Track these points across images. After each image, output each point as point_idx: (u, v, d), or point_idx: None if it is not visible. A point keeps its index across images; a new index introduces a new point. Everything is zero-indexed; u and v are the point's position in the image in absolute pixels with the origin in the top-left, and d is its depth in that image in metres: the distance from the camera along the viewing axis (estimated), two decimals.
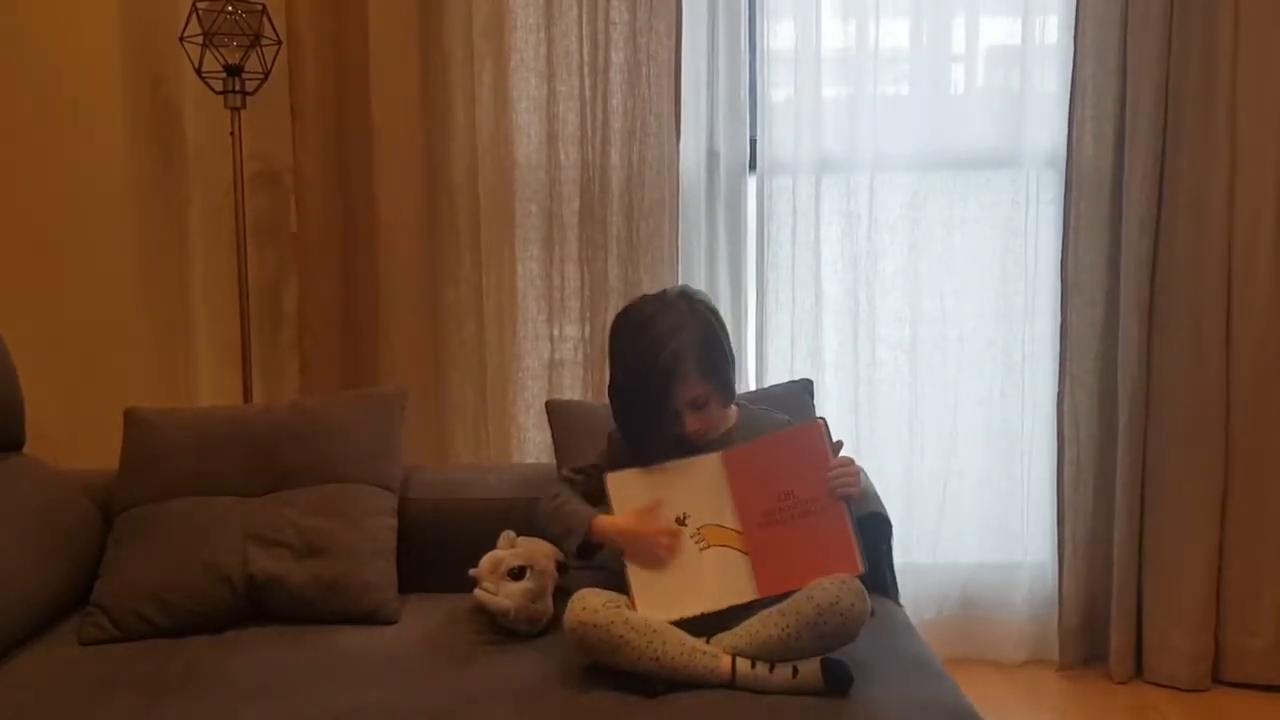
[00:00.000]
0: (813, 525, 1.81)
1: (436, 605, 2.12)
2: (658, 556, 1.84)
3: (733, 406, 2.00)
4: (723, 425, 1.97)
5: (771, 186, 3.00)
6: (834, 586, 1.72)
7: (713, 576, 1.82)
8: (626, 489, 1.90)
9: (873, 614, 1.76)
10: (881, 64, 2.96)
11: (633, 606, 1.79)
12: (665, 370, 1.86)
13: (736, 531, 1.84)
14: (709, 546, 1.84)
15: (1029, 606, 3.06)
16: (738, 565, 1.82)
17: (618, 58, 2.91)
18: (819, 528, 1.81)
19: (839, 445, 1.86)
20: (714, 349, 1.92)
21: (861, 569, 1.78)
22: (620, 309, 2.01)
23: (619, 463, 1.96)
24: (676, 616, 1.77)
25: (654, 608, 1.78)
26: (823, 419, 1.89)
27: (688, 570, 1.83)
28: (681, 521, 1.86)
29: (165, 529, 2.10)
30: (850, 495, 1.82)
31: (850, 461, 1.85)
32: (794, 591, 1.75)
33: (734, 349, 2.00)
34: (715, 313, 1.97)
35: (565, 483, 2.03)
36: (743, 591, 1.80)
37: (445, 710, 1.71)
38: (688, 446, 1.93)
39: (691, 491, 1.87)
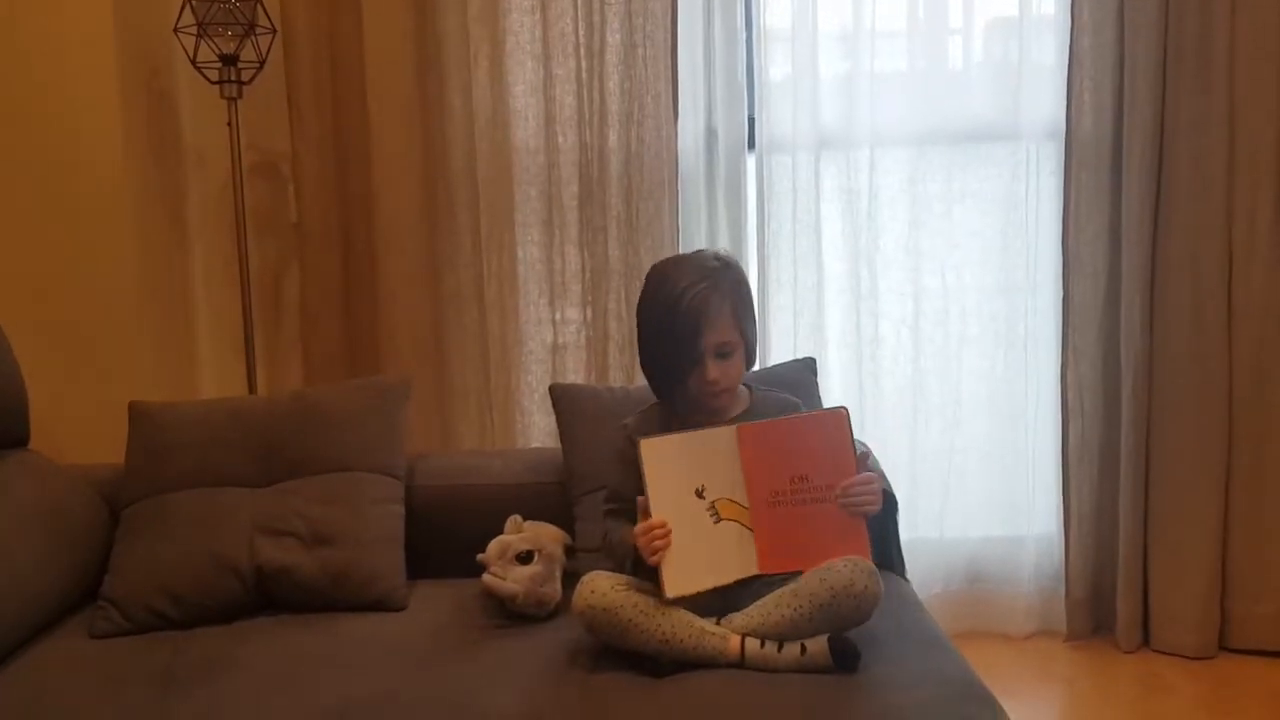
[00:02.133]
0: (825, 512, 1.80)
1: (444, 591, 2.13)
2: (654, 549, 1.79)
3: (743, 388, 1.98)
4: (737, 405, 1.94)
5: (771, 165, 2.99)
6: (847, 569, 1.72)
7: (723, 551, 1.82)
8: (658, 456, 1.84)
9: None
10: (879, 39, 2.94)
11: (661, 588, 1.76)
12: (698, 308, 1.83)
13: (744, 507, 1.83)
14: (721, 520, 1.84)
15: (1035, 579, 3.06)
16: (744, 541, 1.82)
17: (614, 39, 2.90)
18: (832, 515, 1.79)
19: (864, 457, 1.84)
20: (745, 303, 1.91)
21: (872, 555, 1.78)
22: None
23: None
24: (698, 590, 1.77)
25: (679, 584, 1.77)
26: (845, 409, 1.86)
27: (704, 544, 1.82)
28: (700, 493, 1.84)
29: (172, 522, 2.11)
30: (869, 513, 1.81)
31: (872, 480, 1.83)
32: (795, 572, 1.77)
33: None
34: (745, 277, 1.95)
35: (610, 515, 1.96)
36: (745, 567, 1.81)
37: (455, 695, 1.72)
38: (706, 407, 1.91)
39: (710, 463, 1.86)
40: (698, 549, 1.81)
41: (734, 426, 1.87)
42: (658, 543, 1.77)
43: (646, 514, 1.79)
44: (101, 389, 2.61)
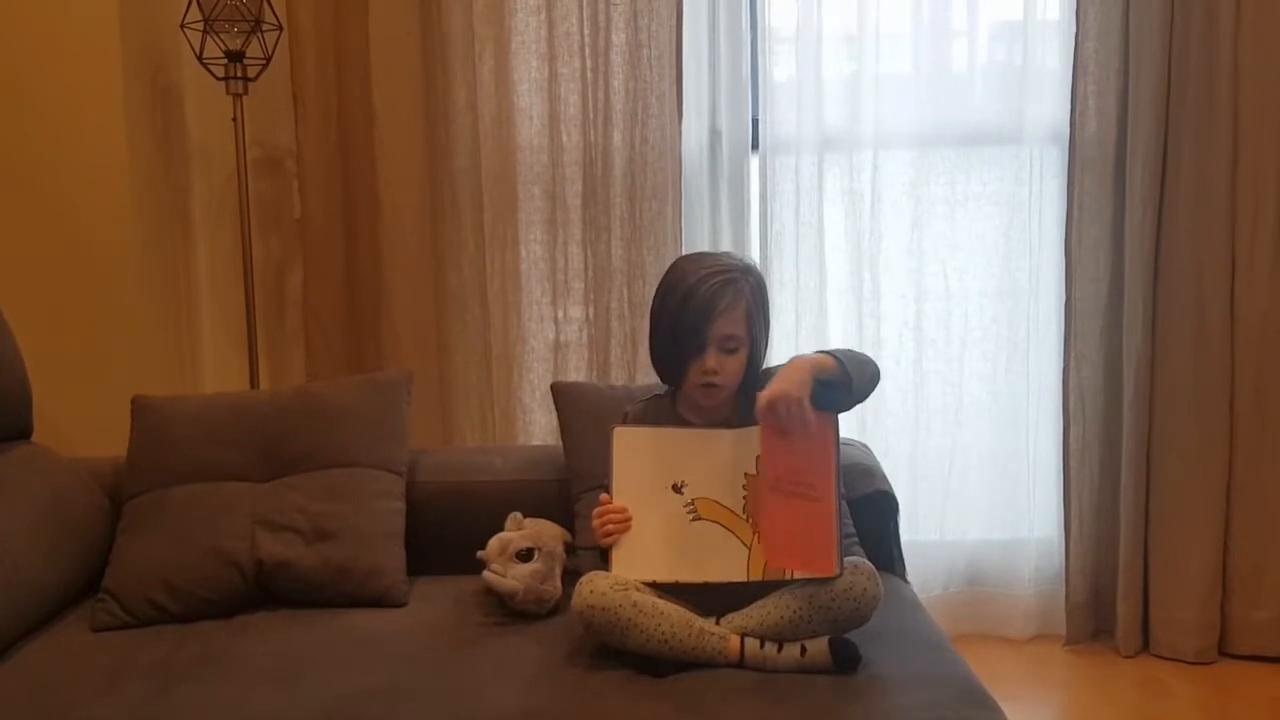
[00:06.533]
0: (808, 510, 1.77)
1: (445, 588, 2.13)
2: (606, 531, 1.83)
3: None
4: (727, 408, 1.94)
5: (774, 166, 2.99)
6: (847, 571, 1.73)
7: (698, 549, 1.82)
8: (630, 446, 1.88)
9: None
10: (883, 41, 2.95)
11: (608, 564, 1.80)
12: (711, 297, 1.85)
13: (733, 512, 1.83)
14: (699, 519, 1.84)
15: (1035, 582, 3.07)
16: (728, 545, 1.82)
17: (619, 39, 2.90)
18: (811, 514, 1.77)
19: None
20: (760, 307, 1.92)
21: (836, 572, 1.73)
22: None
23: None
24: (650, 578, 1.79)
25: (628, 567, 1.80)
26: (834, 415, 1.84)
27: (672, 536, 1.83)
28: (678, 489, 1.85)
29: (174, 515, 2.11)
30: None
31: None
32: (783, 581, 1.76)
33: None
34: (764, 285, 1.96)
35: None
36: (729, 571, 1.80)
37: (454, 691, 1.72)
38: (698, 403, 1.92)
39: (699, 462, 1.86)
40: (660, 540, 1.83)
41: (737, 430, 1.87)
42: (610, 525, 1.82)
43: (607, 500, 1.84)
44: (105, 382, 2.61)
